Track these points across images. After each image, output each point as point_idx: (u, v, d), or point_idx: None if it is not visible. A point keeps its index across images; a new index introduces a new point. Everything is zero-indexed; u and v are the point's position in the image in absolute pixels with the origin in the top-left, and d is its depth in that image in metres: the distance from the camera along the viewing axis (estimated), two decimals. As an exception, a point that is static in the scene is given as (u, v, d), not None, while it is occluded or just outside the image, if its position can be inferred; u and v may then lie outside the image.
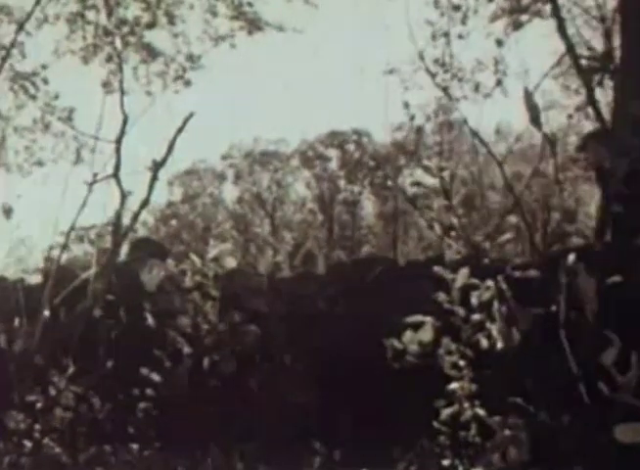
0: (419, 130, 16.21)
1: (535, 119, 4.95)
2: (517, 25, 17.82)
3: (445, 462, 7.60)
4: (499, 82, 16.86)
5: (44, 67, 20.72)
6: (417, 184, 23.88)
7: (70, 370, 9.03)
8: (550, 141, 15.01)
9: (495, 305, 7.47)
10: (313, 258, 29.51)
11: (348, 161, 36.79)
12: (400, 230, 35.44)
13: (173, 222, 37.54)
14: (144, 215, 36.21)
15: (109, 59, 17.74)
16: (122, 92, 13.34)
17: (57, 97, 20.63)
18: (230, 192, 38.74)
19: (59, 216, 11.98)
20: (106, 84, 17.73)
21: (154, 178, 9.88)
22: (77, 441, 8.74)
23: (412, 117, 16.53)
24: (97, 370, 9.27)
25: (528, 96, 4.96)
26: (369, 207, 37.38)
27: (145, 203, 9.85)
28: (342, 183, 36.93)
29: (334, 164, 37.17)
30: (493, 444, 6.90)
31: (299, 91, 47.02)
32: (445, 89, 16.56)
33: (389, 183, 36.17)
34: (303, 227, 37.01)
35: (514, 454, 7.01)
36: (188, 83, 18.50)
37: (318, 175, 37.22)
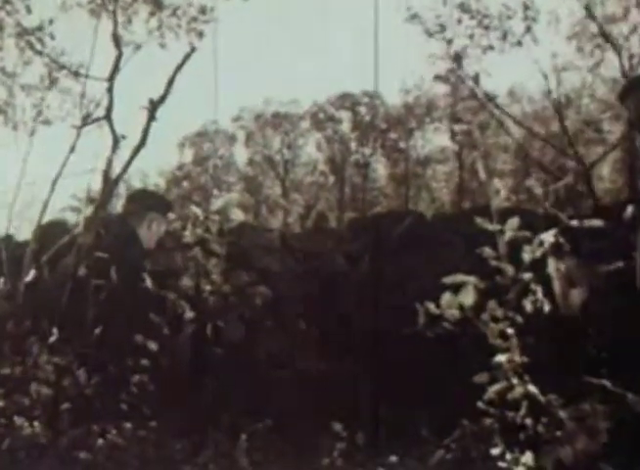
0: (457, 58, 14.51)
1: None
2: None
3: (494, 451, 6.05)
4: (528, 29, 15.09)
5: (51, 21, 19.28)
6: (458, 121, 22.32)
7: (53, 338, 7.50)
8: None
9: (551, 262, 5.98)
10: (325, 219, 28.22)
11: (360, 123, 35.30)
12: (412, 192, 34.21)
13: (185, 184, 36.24)
14: (155, 178, 34.93)
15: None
16: (116, 24, 11.66)
17: (63, 53, 19.27)
18: (241, 154, 37.42)
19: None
20: (115, 36, 16.31)
21: (150, 119, 8.31)
22: (59, 420, 7.20)
23: (449, 41, 14.80)
24: (83, 338, 7.73)
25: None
26: (380, 169, 35.94)
27: (140, 146, 8.29)
28: (353, 145, 35.47)
29: (345, 127, 35.71)
30: (563, 434, 5.37)
31: (312, 51, 45.27)
32: (471, 37, 14.85)
33: (401, 145, 34.81)
34: (314, 189, 35.70)
35: (583, 445, 5.50)
36: (201, 35, 16.95)
37: (329, 137, 35.76)
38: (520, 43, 15.16)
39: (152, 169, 35.81)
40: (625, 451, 5.35)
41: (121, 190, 25.02)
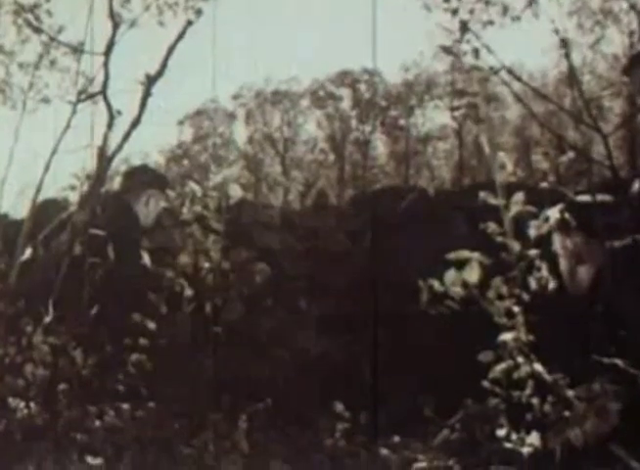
0: (463, 26, 14.12)
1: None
2: None
3: (499, 431, 5.86)
4: (530, 3, 14.66)
5: (47, -1, 18.98)
6: (460, 93, 21.99)
7: (48, 318, 7.28)
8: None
9: (557, 238, 5.75)
10: (325, 196, 27.97)
11: (360, 100, 34.92)
12: (412, 170, 33.87)
13: (185, 163, 35.87)
14: (155, 156, 34.64)
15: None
16: (111, -1, 11.31)
17: (61, 31, 19.01)
18: (241, 132, 37.01)
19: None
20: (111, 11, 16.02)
21: (146, 94, 8.06)
22: (55, 402, 7.00)
23: (455, 12, 14.36)
24: (79, 317, 7.51)
25: None
26: (380, 146, 35.57)
27: (136, 121, 8.05)
28: (353, 123, 35.09)
29: (345, 104, 35.33)
30: (572, 415, 5.17)
31: (310, 28, 44.77)
32: (471, 12, 14.43)
33: (401, 122, 34.43)
34: (315, 167, 35.31)
35: (593, 426, 5.30)
36: (199, 12, 16.60)
37: (329, 115, 35.36)
38: (519, 18, 14.76)
39: (152, 148, 35.47)
40: (638, 433, 5.15)
41: (122, 169, 24.80)
